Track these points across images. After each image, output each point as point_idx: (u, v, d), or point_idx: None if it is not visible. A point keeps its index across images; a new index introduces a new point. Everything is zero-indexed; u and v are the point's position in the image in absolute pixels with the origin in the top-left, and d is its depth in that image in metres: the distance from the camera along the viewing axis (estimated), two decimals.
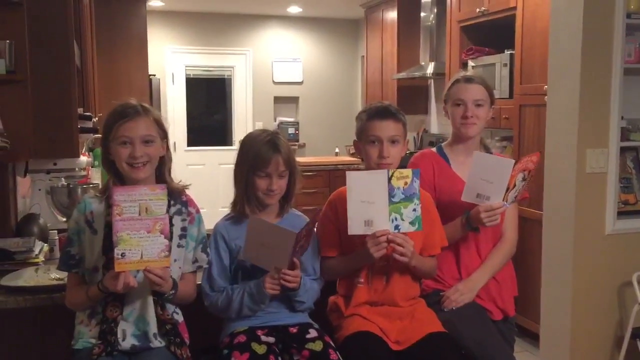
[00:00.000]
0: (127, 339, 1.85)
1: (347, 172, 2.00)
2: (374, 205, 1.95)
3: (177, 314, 1.98)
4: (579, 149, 2.94)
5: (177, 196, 1.94)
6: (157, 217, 1.76)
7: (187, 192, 2.02)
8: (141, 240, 1.74)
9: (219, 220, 2.11)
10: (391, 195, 1.95)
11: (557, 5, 3.06)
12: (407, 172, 1.98)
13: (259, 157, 1.99)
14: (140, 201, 1.75)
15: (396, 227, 1.97)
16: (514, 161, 2.13)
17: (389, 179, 1.96)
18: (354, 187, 1.96)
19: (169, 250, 1.78)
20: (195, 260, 1.99)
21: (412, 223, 1.98)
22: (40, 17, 2.81)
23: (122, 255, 1.72)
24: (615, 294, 3.08)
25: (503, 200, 2.14)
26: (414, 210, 1.97)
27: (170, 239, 1.81)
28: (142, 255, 1.74)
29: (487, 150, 2.44)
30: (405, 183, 1.96)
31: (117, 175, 1.89)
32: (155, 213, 1.75)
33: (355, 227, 1.96)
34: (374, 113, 2.11)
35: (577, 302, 3.01)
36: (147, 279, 1.77)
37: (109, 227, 1.82)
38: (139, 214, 1.74)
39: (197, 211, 2.01)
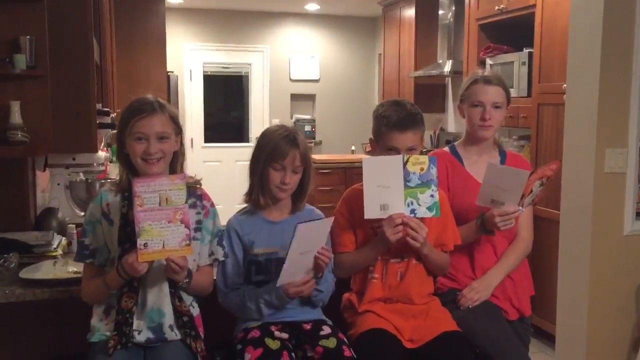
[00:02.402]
0: (142, 331, 1.87)
1: (364, 157, 2.03)
2: (390, 189, 1.97)
3: (194, 307, 1.99)
4: (597, 149, 2.91)
5: (191, 190, 1.95)
6: (177, 206, 1.78)
7: (203, 187, 2.03)
8: (162, 230, 1.76)
9: (232, 216, 2.13)
10: (407, 180, 1.97)
11: (577, 3, 3.03)
12: (424, 158, 2.00)
13: (277, 149, 2.00)
14: (160, 191, 1.77)
15: (412, 211, 2.00)
16: (529, 173, 2.11)
17: (405, 164, 1.97)
18: (370, 171, 1.99)
19: (190, 239, 1.80)
20: (212, 253, 2.00)
21: (429, 209, 2.00)
22: (60, 14, 2.84)
23: (145, 245, 1.75)
24: (633, 296, 3.05)
25: (518, 206, 2.13)
26: (432, 196, 1.99)
27: None
28: (164, 244, 1.76)
29: (500, 148, 2.42)
30: (422, 169, 1.98)
31: (130, 169, 1.91)
32: (175, 203, 1.78)
33: (371, 211, 1.99)
34: (394, 123, 2.08)
35: (594, 303, 2.98)
36: (168, 267, 1.78)
37: (124, 218, 1.85)
38: (160, 204, 1.77)
39: (212, 205, 2.02)
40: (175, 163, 1.95)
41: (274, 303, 1.97)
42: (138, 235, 1.75)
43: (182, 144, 1.97)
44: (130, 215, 1.83)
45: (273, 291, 1.96)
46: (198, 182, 2.01)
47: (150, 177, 1.81)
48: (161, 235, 1.76)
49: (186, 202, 1.81)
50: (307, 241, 1.89)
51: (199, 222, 1.95)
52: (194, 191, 1.97)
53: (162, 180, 1.78)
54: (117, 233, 1.87)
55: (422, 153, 2.11)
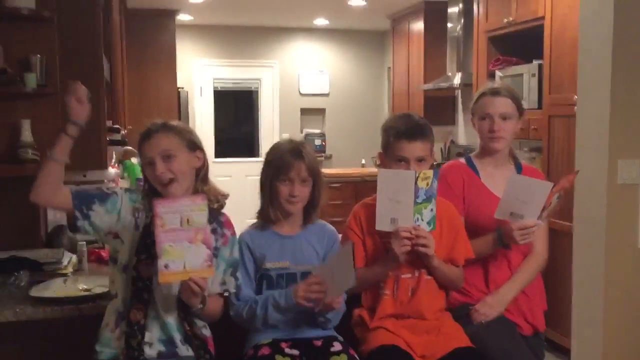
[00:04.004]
0: (154, 344, 1.85)
1: (379, 169, 2.06)
2: (401, 204, 1.98)
3: (206, 328, 1.97)
4: (610, 160, 2.88)
5: (214, 214, 1.93)
6: (199, 227, 1.77)
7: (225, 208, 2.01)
8: (184, 250, 1.75)
9: (244, 229, 2.12)
10: (416, 196, 1.97)
11: (586, 14, 3.01)
12: (429, 172, 2.00)
13: (282, 162, 2.00)
14: (181, 212, 1.76)
15: None
16: (552, 184, 2.09)
17: (415, 180, 1.97)
18: (384, 183, 2.00)
19: (212, 260, 1.78)
20: (224, 283, 1.96)
21: (428, 223, 2.01)
22: (70, 32, 2.87)
23: (166, 266, 1.73)
24: None
25: (538, 219, 2.10)
26: (431, 210, 2.01)
27: None
28: (185, 265, 1.75)
29: (516, 161, 2.40)
30: (427, 184, 1.98)
31: (158, 194, 1.89)
32: (196, 223, 1.76)
33: (381, 223, 2.01)
34: (402, 133, 2.07)
35: (609, 317, 2.93)
36: (187, 288, 1.76)
37: (146, 229, 1.84)
38: (181, 225, 1.75)
39: (233, 233, 2.00)
40: (198, 180, 1.94)
41: (281, 305, 1.95)
42: (159, 255, 1.73)
43: (205, 159, 1.96)
44: (151, 227, 1.81)
45: (283, 292, 1.96)
46: (222, 204, 1.98)
47: (171, 198, 1.81)
48: (182, 256, 1.74)
49: (208, 222, 1.79)
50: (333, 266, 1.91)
51: (216, 248, 1.92)
52: (217, 216, 1.96)
53: (183, 201, 1.78)
54: (137, 242, 1.85)
55: (432, 166, 2.10)
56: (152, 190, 1.91)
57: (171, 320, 1.87)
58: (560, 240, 3.66)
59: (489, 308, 2.19)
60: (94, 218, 1.85)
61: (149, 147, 1.86)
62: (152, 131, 1.87)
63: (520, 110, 2.31)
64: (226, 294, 1.98)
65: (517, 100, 2.31)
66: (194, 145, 1.93)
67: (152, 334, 1.86)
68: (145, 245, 1.83)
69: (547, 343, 2.48)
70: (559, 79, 3.92)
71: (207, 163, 1.99)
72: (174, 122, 1.93)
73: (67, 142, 1.82)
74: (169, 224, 1.74)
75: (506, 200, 2.13)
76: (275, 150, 2.07)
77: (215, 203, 1.94)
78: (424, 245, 1.98)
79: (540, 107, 4.13)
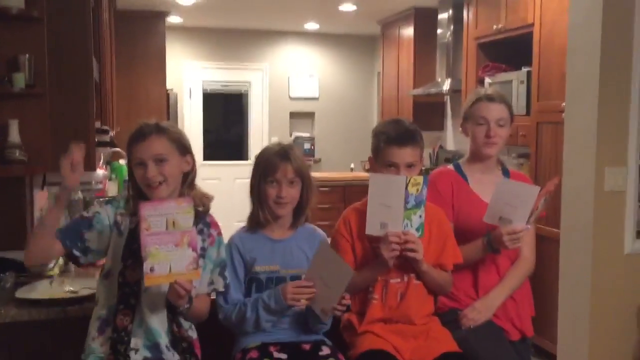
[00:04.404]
0: (139, 350, 1.84)
1: (370, 174, 2.06)
2: (391, 209, 1.99)
3: (192, 329, 1.97)
4: (597, 167, 2.90)
5: (201, 216, 1.93)
6: (185, 230, 1.76)
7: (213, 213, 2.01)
8: (169, 253, 1.74)
9: (234, 232, 2.11)
10: (406, 201, 1.98)
11: (574, 22, 3.04)
12: (420, 179, 2.01)
13: (268, 163, 2.01)
14: (167, 215, 1.75)
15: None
16: (539, 188, 2.11)
17: (406, 186, 1.98)
18: (375, 188, 2.01)
19: (198, 263, 1.78)
20: (212, 282, 1.97)
21: (417, 229, 2.02)
22: (59, 33, 2.84)
23: (152, 269, 1.73)
24: (634, 315, 3.02)
25: (526, 224, 2.12)
26: (420, 216, 2.02)
27: None
28: (170, 268, 1.74)
29: (503, 166, 2.42)
30: (417, 190, 1.99)
31: (143, 196, 1.88)
32: (182, 226, 1.76)
33: (371, 227, 2.02)
34: (392, 138, 2.08)
35: (595, 323, 2.95)
36: (172, 290, 1.76)
37: (131, 234, 1.83)
38: (167, 228, 1.75)
39: (219, 233, 2.00)
40: (185, 184, 1.93)
41: (271, 306, 1.94)
42: (145, 258, 1.72)
43: (194, 164, 1.96)
44: (137, 231, 1.80)
45: (272, 293, 1.95)
46: (208, 208, 1.98)
47: (157, 201, 1.80)
48: (168, 259, 1.74)
49: (194, 225, 1.79)
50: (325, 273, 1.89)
51: (203, 249, 1.92)
52: (203, 217, 1.96)
53: (169, 204, 1.77)
54: (122, 248, 1.84)
55: (421, 172, 2.10)
56: (136, 192, 1.90)
57: (156, 325, 1.86)
58: (547, 247, 3.68)
59: (477, 313, 2.20)
60: (91, 245, 1.86)
61: (142, 149, 1.85)
62: (146, 133, 1.86)
63: (512, 116, 2.33)
64: (213, 295, 1.98)
65: (509, 107, 2.33)
66: (185, 150, 1.93)
67: (138, 340, 1.85)
68: (131, 250, 1.82)
69: (534, 349, 2.49)
70: (547, 86, 3.95)
71: (196, 168, 1.98)
72: (166, 124, 1.92)
73: (60, 209, 1.82)
74: (154, 227, 1.74)
75: (495, 204, 2.14)
76: (263, 153, 2.08)
77: (201, 206, 1.94)
78: (412, 250, 1.98)
79: (528, 113, 4.15)
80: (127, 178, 2.07)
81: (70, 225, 1.89)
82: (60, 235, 1.84)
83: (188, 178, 1.94)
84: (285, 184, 2.00)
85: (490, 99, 2.29)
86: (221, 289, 1.98)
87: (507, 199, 2.11)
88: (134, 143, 1.86)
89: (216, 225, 1.99)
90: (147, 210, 1.74)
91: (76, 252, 1.86)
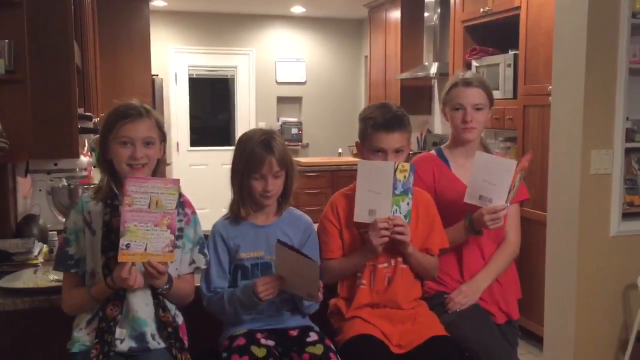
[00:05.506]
0: (125, 340, 1.84)
1: (359, 161, 2.05)
2: (379, 195, 1.99)
3: (178, 316, 1.96)
4: (583, 150, 2.91)
5: None
6: (166, 211, 1.75)
7: (186, 192, 1.99)
8: (147, 232, 1.73)
9: (218, 220, 2.10)
10: (394, 187, 1.97)
11: (561, 5, 3.03)
12: (407, 165, 2.01)
13: (253, 158, 1.97)
14: (151, 193, 1.74)
15: None
16: (516, 162, 2.11)
17: (394, 171, 1.97)
18: (363, 175, 2.01)
19: (174, 246, 1.77)
20: (193, 262, 1.97)
21: (405, 217, 2.01)
22: (39, 17, 2.79)
23: (127, 246, 1.71)
24: (620, 297, 3.05)
25: (505, 202, 2.12)
26: (408, 204, 2.02)
27: None
28: (146, 248, 1.73)
29: (487, 150, 2.41)
30: (405, 176, 1.99)
31: (113, 175, 1.87)
32: (164, 207, 1.75)
33: (360, 214, 2.01)
34: (380, 124, 2.06)
35: (582, 305, 2.98)
36: (146, 270, 1.76)
37: (107, 226, 1.82)
38: (149, 207, 1.73)
39: (193, 212, 2.00)
40: (157, 171, 1.92)
41: (246, 304, 1.93)
42: (122, 234, 1.71)
43: (165, 152, 1.95)
44: (113, 222, 1.81)
45: (245, 290, 1.93)
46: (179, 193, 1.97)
47: (144, 178, 1.77)
48: (145, 238, 1.73)
49: (176, 208, 1.77)
50: (293, 268, 1.87)
51: (180, 229, 1.91)
52: None
53: (155, 183, 1.76)
54: (100, 242, 1.83)
55: (409, 155, 2.10)
56: (108, 170, 1.88)
57: (142, 314, 1.85)
58: (534, 229, 3.70)
59: (464, 297, 2.21)
60: (77, 254, 1.88)
61: (131, 129, 1.83)
62: (139, 113, 1.84)
63: (490, 100, 2.33)
64: (197, 282, 1.98)
65: (488, 90, 2.32)
66: (164, 137, 1.93)
67: (124, 330, 1.84)
68: (110, 242, 1.80)
69: (521, 331, 2.50)
70: (534, 69, 3.95)
71: (165, 158, 1.97)
72: (153, 109, 1.91)
73: (107, 289, 1.81)
74: (136, 204, 1.72)
75: (474, 181, 2.14)
76: (244, 142, 2.02)
77: None
78: (400, 233, 1.98)
79: (515, 97, 4.15)
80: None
81: (58, 254, 1.94)
82: (55, 267, 1.93)
83: (159, 165, 1.92)
84: (271, 178, 1.98)
85: (467, 83, 2.28)
86: (203, 265, 1.98)
87: (484, 174, 2.11)
88: (121, 120, 1.83)
89: (190, 205, 1.99)
90: (132, 186, 1.72)
91: (73, 270, 1.89)
